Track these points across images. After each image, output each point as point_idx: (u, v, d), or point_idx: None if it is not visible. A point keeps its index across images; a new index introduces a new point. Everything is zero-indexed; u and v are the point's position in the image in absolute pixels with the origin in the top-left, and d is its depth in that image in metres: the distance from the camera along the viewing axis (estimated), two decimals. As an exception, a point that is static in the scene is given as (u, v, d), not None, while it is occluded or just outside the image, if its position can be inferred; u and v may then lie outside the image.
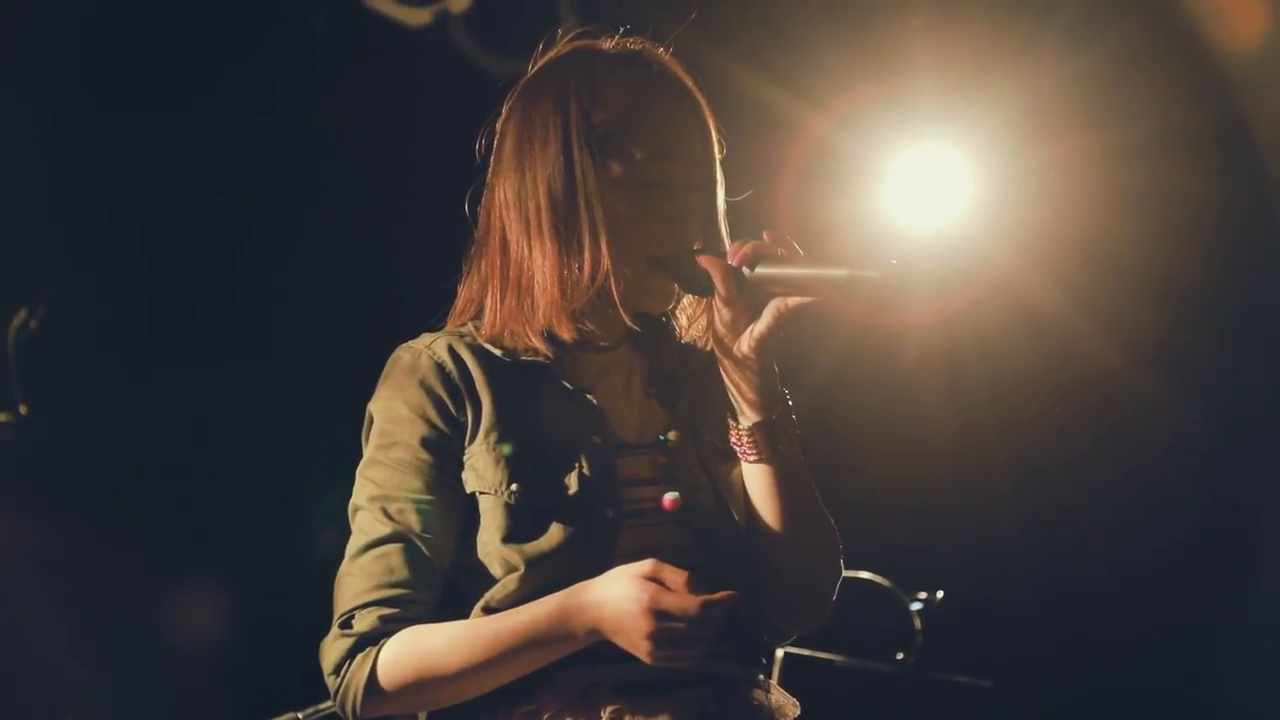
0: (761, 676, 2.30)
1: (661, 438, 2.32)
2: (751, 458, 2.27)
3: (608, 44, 2.36)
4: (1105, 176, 4.76)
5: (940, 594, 4.48)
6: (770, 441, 2.26)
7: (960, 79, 4.79)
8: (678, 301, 2.38)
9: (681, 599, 2.08)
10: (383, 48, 5.14)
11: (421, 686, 2.17)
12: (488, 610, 2.19)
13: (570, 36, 2.38)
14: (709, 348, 2.34)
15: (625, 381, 2.35)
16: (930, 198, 4.98)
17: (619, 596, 2.10)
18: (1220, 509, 5.06)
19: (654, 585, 2.09)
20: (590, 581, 2.14)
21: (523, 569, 2.18)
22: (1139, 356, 4.95)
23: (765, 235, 2.24)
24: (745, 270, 2.23)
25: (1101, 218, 4.81)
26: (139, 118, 4.95)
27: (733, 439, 2.28)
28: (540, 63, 2.38)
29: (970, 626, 4.71)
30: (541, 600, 2.15)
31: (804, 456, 2.29)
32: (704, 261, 2.26)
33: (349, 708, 2.19)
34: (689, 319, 2.40)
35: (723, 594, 2.09)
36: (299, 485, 4.40)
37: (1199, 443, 5.00)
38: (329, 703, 4.06)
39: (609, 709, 2.16)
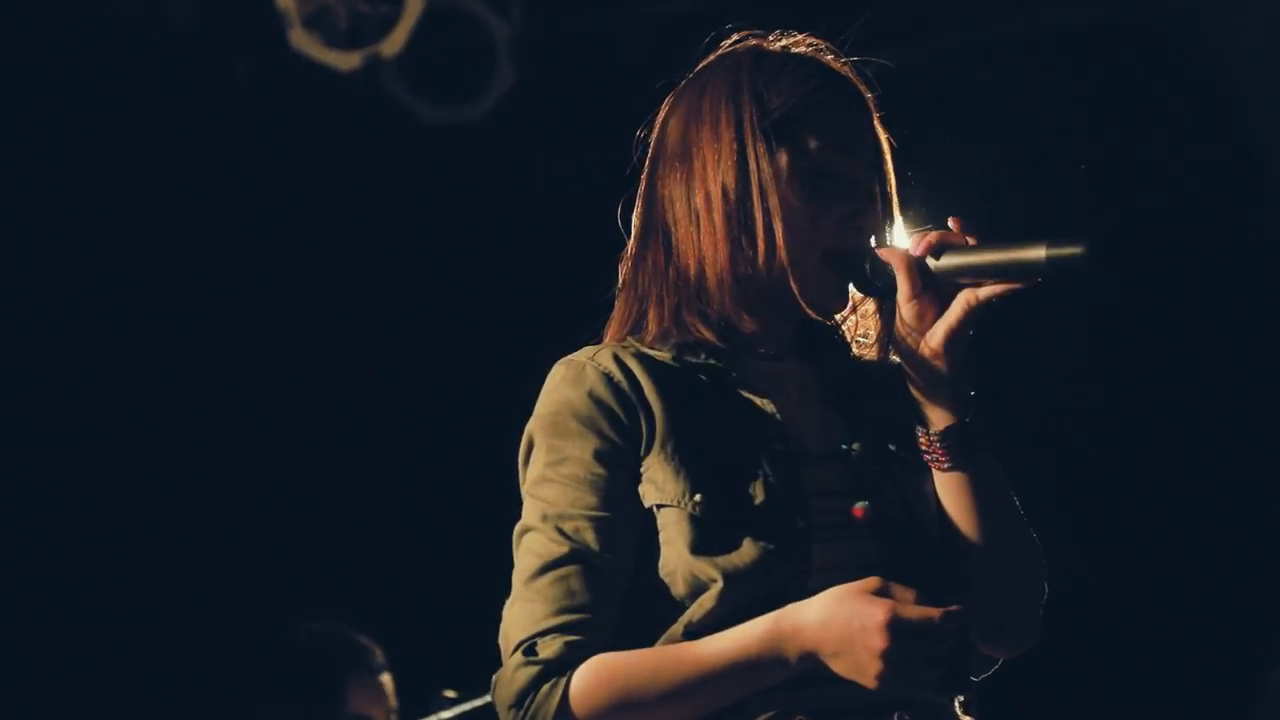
0: (959, 703, 2.17)
1: (844, 447, 2.18)
2: (945, 465, 2.15)
3: (775, 43, 2.27)
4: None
5: None
6: (965, 447, 2.14)
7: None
8: (853, 310, 2.26)
9: (923, 611, 1.95)
10: (310, 93, 4.96)
11: (619, 717, 2.02)
12: (690, 632, 2.04)
13: (735, 38, 2.28)
14: (884, 358, 2.23)
15: (800, 391, 2.22)
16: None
17: (849, 614, 1.96)
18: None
19: (890, 600, 1.96)
20: (806, 601, 2.00)
21: (721, 583, 2.04)
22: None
23: (951, 222, 2.13)
24: (930, 261, 2.12)
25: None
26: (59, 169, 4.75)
27: (923, 446, 2.16)
28: (705, 60, 2.27)
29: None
30: (748, 624, 2.01)
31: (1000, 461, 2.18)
32: (884, 254, 2.15)
33: None
34: (856, 333, 2.28)
35: (955, 607, 1.96)
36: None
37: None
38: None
39: None
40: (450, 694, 4.09)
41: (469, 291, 5.13)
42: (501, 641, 2.09)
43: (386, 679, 4.11)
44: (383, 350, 5.12)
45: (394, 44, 4.95)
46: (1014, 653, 2.24)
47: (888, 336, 2.20)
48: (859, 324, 2.27)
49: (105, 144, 4.81)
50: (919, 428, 2.16)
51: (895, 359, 2.20)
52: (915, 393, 2.15)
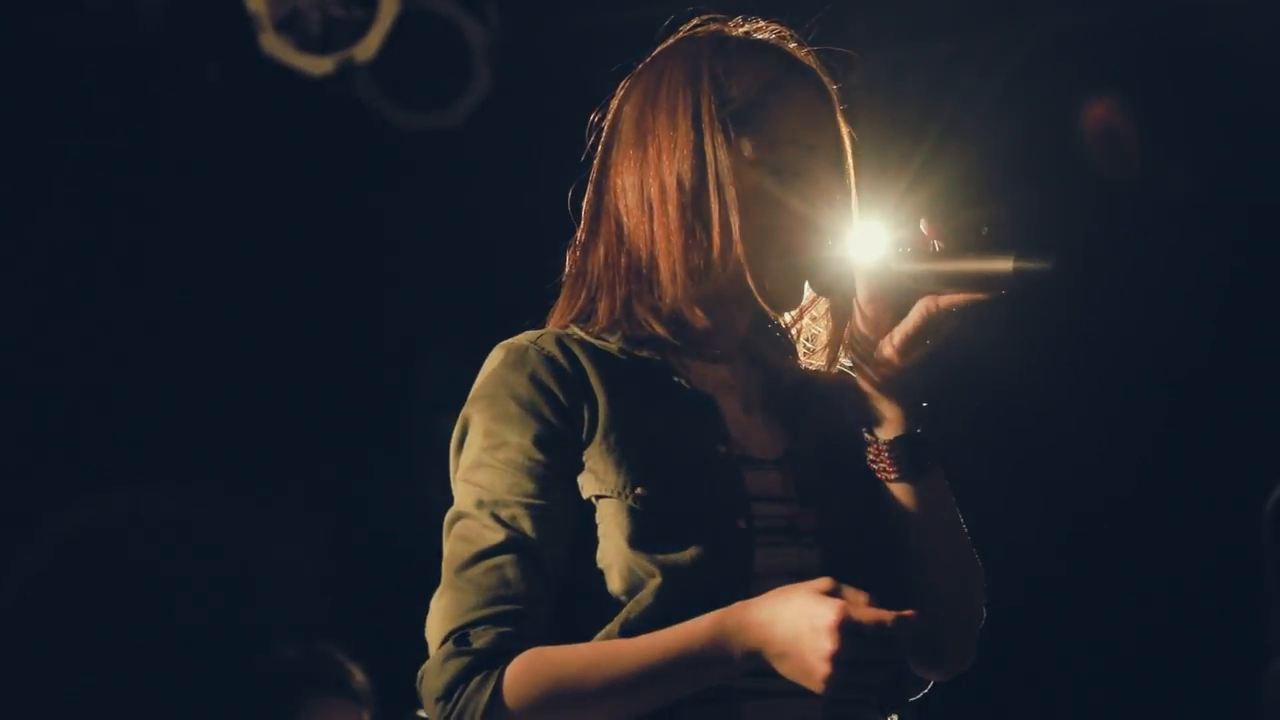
0: None
1: (788, 453, 2.12)
2: (892, 476, 2.08)
3: (737, 29, 2.20)
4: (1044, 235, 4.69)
5: None
6: (914, 459, 2.07)
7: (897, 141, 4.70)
8: (800, 315, 2.20)
9: (876, 614, 1.85)
10: (282, 98, 4.90)
11: (553, 711, 1.93)
12: (626, 629, 1.97)
13: (695, 22, 2.20)
14: (830, 366, 2.16)
15: (745, 394, 2.16)
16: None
17: (796, 614, 1.87)
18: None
19: (841, 601, 1.87)
20: (755, 599, 1.92)
21: (659, 579, 1.97)
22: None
23: (923, 225, 2.05)
24: (892, 265, 2.04)
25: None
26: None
27: (870, 455, 2.09)
28: (663, 45, 2.20)
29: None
30: (693, 620, 1.93)
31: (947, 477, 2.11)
32: (845, 254, 2.08)
33: None
34: (803, 338, 2.22)
35: (908, 611, 1.87)
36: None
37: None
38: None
39: None
40: (424, 714, 4.01)
41: (446, 298, 5.07)
42: (428, 633, 2.01)
43: (365, 713, 4.05)
44: (358, 356, 5.06)
45: (368, 48, 4.89)
46: (947, 675, 2.15)
47: (838, 341, 2.14)
48: (807, 328, 2.20)
49: (73, 147, 4.75)
50: (868, 436, 2.10)
51: (843, 366, 2.14)
52: (867, 400, 2.09)
